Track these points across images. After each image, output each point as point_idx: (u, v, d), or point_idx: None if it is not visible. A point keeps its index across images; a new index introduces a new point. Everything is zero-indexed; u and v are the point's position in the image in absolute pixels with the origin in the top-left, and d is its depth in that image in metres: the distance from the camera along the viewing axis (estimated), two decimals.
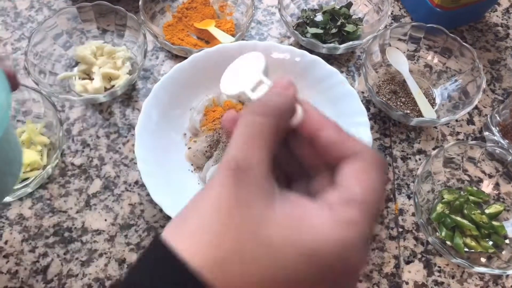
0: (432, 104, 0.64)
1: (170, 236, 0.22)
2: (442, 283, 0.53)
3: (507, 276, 0.53)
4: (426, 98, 0.63)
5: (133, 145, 0.59)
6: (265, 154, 0.23)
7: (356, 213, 0.23)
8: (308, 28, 0.68)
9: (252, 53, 0.30)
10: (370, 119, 0.56)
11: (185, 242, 0.22)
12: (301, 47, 0.66)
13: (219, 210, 0.22)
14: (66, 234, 0.55)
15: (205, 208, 0.22)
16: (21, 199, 0.57)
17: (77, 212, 0.56)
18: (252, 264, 0.21)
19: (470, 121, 0.65)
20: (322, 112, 0.27)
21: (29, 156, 0.57)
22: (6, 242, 0.54)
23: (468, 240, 0.53)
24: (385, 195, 0.25)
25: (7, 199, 0.55)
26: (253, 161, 0.23)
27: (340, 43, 0.66)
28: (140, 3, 0.66)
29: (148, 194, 0.57)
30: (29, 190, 0.56)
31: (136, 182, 0.58)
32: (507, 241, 0.53)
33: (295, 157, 0.27)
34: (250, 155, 0.23)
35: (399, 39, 0.66)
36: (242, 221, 0.22)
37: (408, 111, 0.63)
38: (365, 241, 0.23)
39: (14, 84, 0.37)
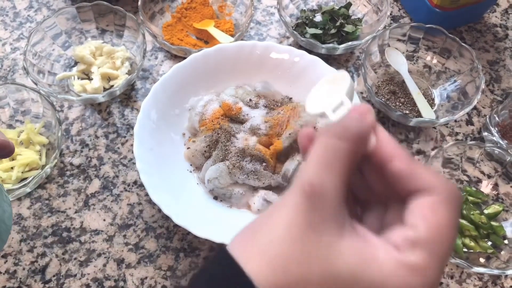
0: (431, 104, 0.64)
1: (238, 248, 0.23)
2: (441, 283, 0.53)
3: (506, 276, 0.53)
4: (425, 98, 0.63)
5: (132, 145, 0.59)
6: (341, 181, 0.23)
7: (422, 257, 0.21)
8: (307, 28, 0.68)
9: (340, 71, 0.29)
10: None
11: (253, 259, 0.22)
12: (300, 47, 0.66)
13: (290, 233, 0.22)
14: (65, 234, 0.55)
15: (277, 227, 0.22)
16: (19, 199, 0.57)
17: (76, 212, 0.56)
18: None
19: (469, 122, 0.65)
20: (395, 141, 0.25)
21: (28, 156, 0.57)
22: None
23: (467, 241, 0.53)
24: (456, 234, 0.24)
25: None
26: (329, 187, 0.22)
27: (339, 44, 0.66)
28: (139, 3, 0.66)
29: (146, 194, 0.57)
30: (27, 190, 0.55)
31: (135, 182, 0.58)
32: (506, 241, 0.53)
33: (369, 184, 0.27)
34: (327, 180, 0.22)
35: (398, 40, 0.66)
36: (312, 248, 0.21)
37: (407, 112, 0.63)
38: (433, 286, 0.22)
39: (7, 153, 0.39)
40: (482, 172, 0.58)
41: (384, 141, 0.25)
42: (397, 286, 0.21)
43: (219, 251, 0.23)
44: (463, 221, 0.53)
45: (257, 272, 0.21)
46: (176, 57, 0.68)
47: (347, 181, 0.23)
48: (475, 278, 0.53)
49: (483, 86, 0.59)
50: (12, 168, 0.56)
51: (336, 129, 0.24)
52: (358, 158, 0.24)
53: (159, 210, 0.56)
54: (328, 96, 0.28)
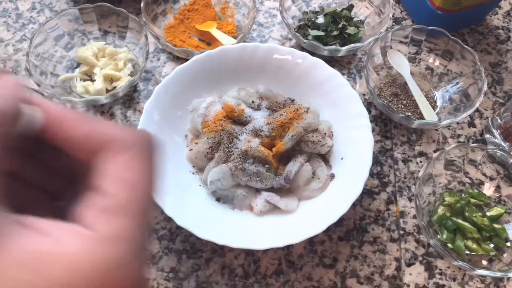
0: (433, 106, 0.64)
1: None
2: (444, 285, 0.53)
3: (509, 278, 0.53)
4: (427, 100, 0.63)
5: None
6: None
7: (121, 223, 0.19)
8: (309, 30, 0.69)
9: None
10: (371, 121, 0.56)
11: None
12: (302, 49, 0.66)
13: None
14: None
15: None
16: None
17: None
18: None
19: (471, 124, 0.65)
20: (64, 107, 0.22)
21: None
22: None
23: (469, 243, 0.53)
24: (153, 184, 0.22)
25: None
26: None
27: (342, 46, 0.66)
28: (142, 4, 0.66)
29: None
30: None
31: None
32: (508, 243, 0.53)
33: (55, 169, 0.23)
34: None
35: (400, 42, 0.66)
36: None
37: (410, 114, 0.63)
38: (135, 253, 0.19)
39: None
40: (484, 174, 0.58)
41: (52, 112, 0.21)
42: (90, 267, 0.18)
43: None
44: (466, 223, 0.53)
45: None
46: (179, 59, 0.68)
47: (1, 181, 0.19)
48: (477, 281, 0.53)
49: (485, 88, 0.59)
50: None
51: None
52: (7, 142, 0.19)
53: (162, 212, 0.56)
54: None
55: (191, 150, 0.57)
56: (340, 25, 0.68)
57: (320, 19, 0.71)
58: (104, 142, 0.20)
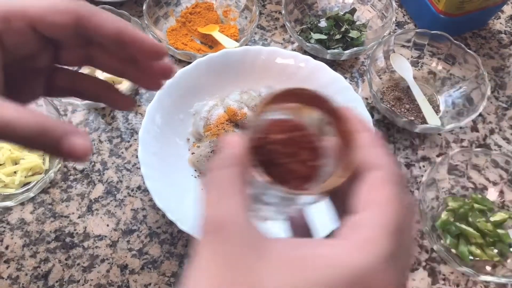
0: (436, 111, 0.63)
1: None
2: None
3: None
4: (430, 105, 0.63)
5: (135, 150, 0.59)
6: (239, 204, 0.22)
7: (368, 232, 0.21)
8: (312, 34, 0.68)
9: None
10: (374, 125, 0.55)
11: None
12: (305, 52, 0.66)
13: (211, 276, 0.21)
14: (68, 239, 0.54)
15: (198, 278, 0.21)
16: (22, 204, 0.56)
17: (79, 217, 0.56)
18: None
19: (474, 128, 0.64)
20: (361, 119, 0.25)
21: (31, 160, 0.56)
22: (7, 247, 0.54)
23: (473, 248, 0.53)
24: (412, 210, 0.25)
25: (9, 203, 0.54)
26: (229, 215, 0.21)
27: (344, 49, 0.66)
28: (144, 7, 0.66)
29: (150, 199, 0.57)
30: (31, 194, 0.55)
31: (139, 187, 0.58)
32: None
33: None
34: (224, 210, 0.22)
35: (403, 46, 0.66)
36: (234, 280, 0.20)
37: (413, 118, 0.62)
38: (390, 260, 0.20)
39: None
40: (488, 179, 0.58)
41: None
42: (348, 266, 0.20)
43: None
44: (469, 229, 0.53)
45: None
46: (181, 62, 0.68)
47: (246, 201, 0.22)
48: (481, 287, 0.53)
49: (488, 92, 0.58)
50: (15, 172, 0.56)
51: (214, 163, 0.24)
52: (246, 176, 0.23)
53: (163, 216, 0.55)
54: None
55: (193, 153, 0.57)
56: (342, 29, 0.68)
57: (323, 23, 0.70)
58: (367, 166, 0.23)
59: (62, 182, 0.58)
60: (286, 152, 0.26)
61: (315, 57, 0.61)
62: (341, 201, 0.24)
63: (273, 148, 0.26)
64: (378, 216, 0.21)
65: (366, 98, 0.66)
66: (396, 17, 0.74)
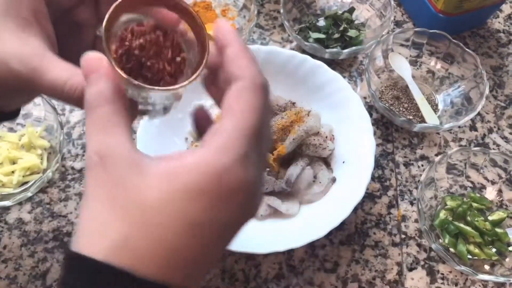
0: (435, 110, 0.63)
1: (77, 245, 0.23)
2: None
3: (511, 284, 0.53)
4: (429, 104, 0.63)
5: None
6: (122, 133, 0.24)
7: (224, 138, 0.23)
8: (310, 33, 0.68)
9: None
10: (372, 124, 0.55)
11: (85, 244, 0.23)
12: (303, 51, 0.66)
13: (97, 199, 0.23)
14: (66, 239, 0.54)
15: (87, 205, 0.24)
16: (20, 203, 0.56)
17: (77, 216, 0.56)
18: (142, 232, 0.22)
19: (472, 127, 0.64)
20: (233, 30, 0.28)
21: (29, 159, 0.56)
22: (5, 247, 0.54)
23: (471, 247, 0.53)
24: (269, 117, 0.28)
25: (7, 203, 0.54)
26: (111, 146, 0.24)
27: (343, 48, 0.66)
28: None
29: None
30: (29, 194, 0.55)
31: None
32: (510, 248, 0.53)
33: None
34: (107, 143, 0.24)
35: (402, 45, 0.66)
36: (117, 195, 0.23)
37: (411, 117, 0.62)
38: (245, 161, 0.23)
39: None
40: (486, 179, 0.58)
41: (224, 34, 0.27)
42: (205, 168, 0.23)
43: (66, 255, 0.24)
44: (468, 228, 0.53)
45: (91, 249, 0.22)
46: None
47: (130, 129, 0.25)
48: (479, 286, 0.53)
49: (487, 92, 0.59)
50: (13, 172, 0.56)
51: (87, 102, 0.25)
52: (123, 105, 0.25)
53: None
54: None
55: None
56: (341, 28, 0.68)
57: (321, 22, 0.70)
58: (235, 74, 0.25)
59: (60, 182, 0.58)
60: (151, 54, 0.28)
61: (313, 56, 0.61)
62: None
63: (138, 52, 0.27)
64: (235, 122, 0.24)
65: (365, 97, 0.66)
66: (394, 16, 0.74)
